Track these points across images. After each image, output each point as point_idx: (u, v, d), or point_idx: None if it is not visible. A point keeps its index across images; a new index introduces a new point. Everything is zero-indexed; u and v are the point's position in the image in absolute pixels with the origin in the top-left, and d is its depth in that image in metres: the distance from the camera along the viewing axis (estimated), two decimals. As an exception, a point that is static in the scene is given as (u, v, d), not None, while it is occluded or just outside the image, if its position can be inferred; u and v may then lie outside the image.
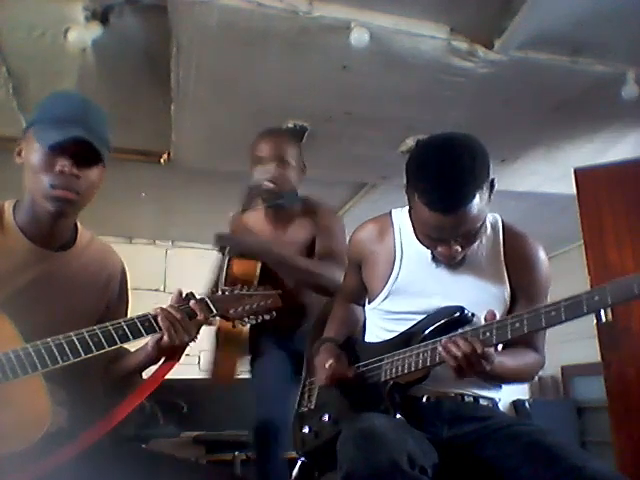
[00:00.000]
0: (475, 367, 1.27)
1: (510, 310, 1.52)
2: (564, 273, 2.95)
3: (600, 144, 3.39)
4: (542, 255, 1.55)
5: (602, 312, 2.86)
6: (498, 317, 1.45)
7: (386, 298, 1.57)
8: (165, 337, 1.26)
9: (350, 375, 1.52)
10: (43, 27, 2.38)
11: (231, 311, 1.37)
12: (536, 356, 1.52)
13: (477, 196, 1.33)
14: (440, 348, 1.31)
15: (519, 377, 1.54)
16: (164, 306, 1.29)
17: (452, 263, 1.47)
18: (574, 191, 3.09)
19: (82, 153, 1.27)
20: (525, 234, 1.57)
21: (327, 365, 1.51)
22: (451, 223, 1.34)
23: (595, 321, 2.92)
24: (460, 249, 1.40)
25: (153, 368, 1.35)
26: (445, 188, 1.32)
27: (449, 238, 1.38)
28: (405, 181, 1.44)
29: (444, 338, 1.34)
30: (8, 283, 1.24)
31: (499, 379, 1.49)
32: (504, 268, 1.52)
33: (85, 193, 1.30)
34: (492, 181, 1.39)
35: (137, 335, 1.22)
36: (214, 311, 1.34)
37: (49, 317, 1.24)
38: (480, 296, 1.49)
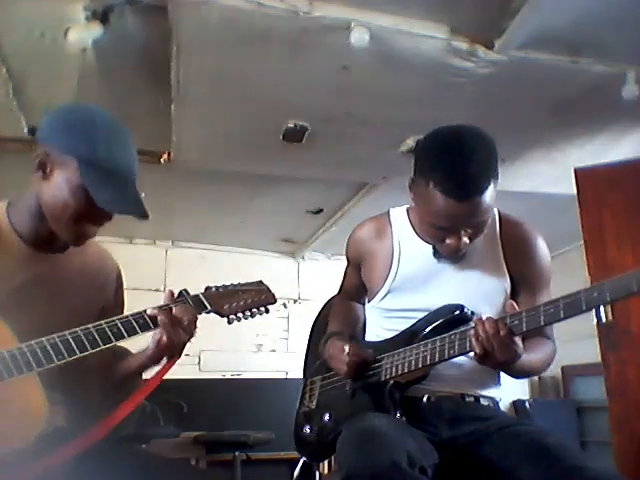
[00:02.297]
0: (497, 351, 1.24)
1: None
2: (564, 273, 2.94)
3: (600, 144, 3.39)
4: (540, 242, 1.54)
5: (602, 312, 2.86)
6: (498, 309, 1.45)
7: (386, 296, 1.56)
8: (164, 337, 1.25)
9: (370, 359, 1.50)
10: (43, 27, 2.38)
11: (225, 307, 1.36)
12: (551, 343, 1.52)
13: (491, 186, 1.34)
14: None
15: (543, 368, 1.52)
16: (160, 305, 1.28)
17: (456, 256, 1.46)
18: (574, 191, 3.09)
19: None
20: (521, 222, 1.57)
21: (345, 352, 1.49)
22: (465, 211, 1.34)
23: (595, 321, 2.91)
24: (467, 241, 1.40)
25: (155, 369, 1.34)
26: (464, 175, 1.33)
27: (460, 227, 1.38)
28: (414, 171, 1.43)
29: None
30: (2, 284, 1.22)
31: (527, 373, 1.49)
32: (502, 258, 1.52)
33: None
34: (497, 177, 1.40)
35: (132, 333, 1.21)
36: (208, 307, 1.34)
37: (43, 319, 1.22)
38: (480, 289, 1.49)
